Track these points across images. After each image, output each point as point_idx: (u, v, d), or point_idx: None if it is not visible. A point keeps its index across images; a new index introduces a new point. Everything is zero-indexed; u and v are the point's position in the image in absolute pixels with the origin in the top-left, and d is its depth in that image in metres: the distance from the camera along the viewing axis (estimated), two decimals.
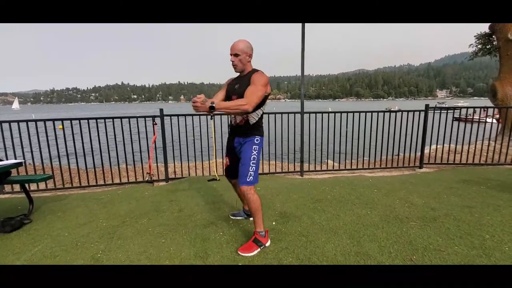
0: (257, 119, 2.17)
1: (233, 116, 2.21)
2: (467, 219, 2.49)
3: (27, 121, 3.67)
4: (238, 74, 2.21)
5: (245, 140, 2.18)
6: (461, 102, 42.82)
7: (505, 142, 4.88)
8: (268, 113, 4.31)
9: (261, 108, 2.15)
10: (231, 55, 2.08)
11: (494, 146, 4.91)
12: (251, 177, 2.11)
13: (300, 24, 3.98)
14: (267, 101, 2.17)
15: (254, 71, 2.12)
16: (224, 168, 2.55)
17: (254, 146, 2.15)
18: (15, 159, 3.44)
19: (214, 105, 1.82)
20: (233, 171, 2.36)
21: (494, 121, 6.64)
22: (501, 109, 6.53)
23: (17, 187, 3.75)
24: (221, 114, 3.90)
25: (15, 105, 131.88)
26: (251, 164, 2.12)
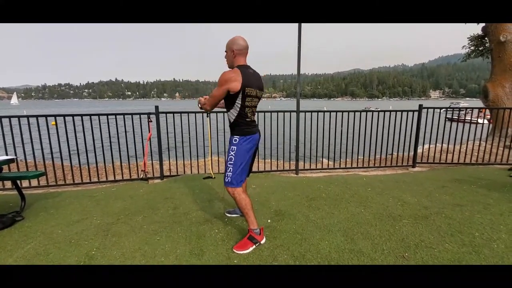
0: (233, 118, 2.09)
1: None
2: (458, 217, 2.54)
3: (18, 116, 3.62)
4: None
5: (229, 139, 2.18)
6: (462, 103, 43.05)
7: (495, 142, 4.97)
8: (264, 112, 4.32)
9: (235, 107, 2.05)
10: None
11: (485, 146, 5.00)
12: (228, 178, 2.10)
13: (296, 24, 4.00)
14: (247, 99, 2.01)
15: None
16: None
17: (231, 147, 2.11)
18: (7, 155, 3.38)
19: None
20: None
21: (486, 121, 6.76)
22: (492, 110, 6.65)
23: (8, 184, 3.69)
24: (216, 112, 3.92)
25: (14, 100, 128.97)
26: (228, 165, 2.10)
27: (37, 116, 3.64)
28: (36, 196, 3.42)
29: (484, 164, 4.64)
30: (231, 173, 2.09)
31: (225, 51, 2.12)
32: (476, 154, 4.93)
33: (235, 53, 2.05)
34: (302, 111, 4.33)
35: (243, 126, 2.10)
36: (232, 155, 2.10)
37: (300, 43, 4.03)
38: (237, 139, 2.10)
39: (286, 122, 4.44)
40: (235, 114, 2.08)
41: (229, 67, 2.13)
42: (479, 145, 4.99)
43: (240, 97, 2.01)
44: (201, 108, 2.31)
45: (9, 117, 3.58)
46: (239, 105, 2.04)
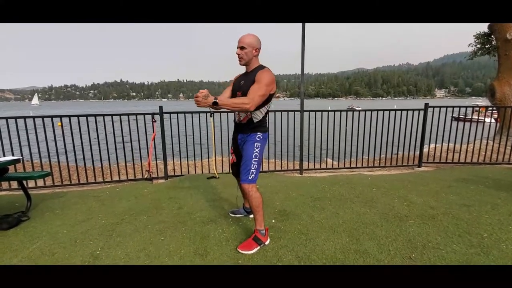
0: (261, 117, 2.13)
1: (237, 112, 2.19)
2: (465, 217, 2.50)
3: (25, 117, 3.65)
4: (244, 70, 2.18)
5: (247, 137, 2.14)
6: (479, 101, 41.44)
7: (503, 141, 4.90)
8: (268, 111, 4.31)
9: (266, 106, 2.12)
10: (237, 48, 2.05)
11: (492, 146, 4.93)
12: (253, 175, 2.09)
13: (300, 24, 3.97)
14: (273, 99, 2.14)
15: (261, 67, 2.07)
16: (230, 164, 2.53)
17: (256, 144, 2.11)
18: (13, 155, 3.42)
19: (217, 101, 1.83)
20: (238, 169, 2.30)
21: (493, 120, 6.67)
22: (499, 108, 6.56)
23: (14, 184, 3.72)
24: (220, 112, 3.91)
25: (35, 101, 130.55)
26: (253, 162, 2.09)
27: (43, 117, 3.67)
28: (42, 196, 3.45)
29: (491, 163, 4.57)
30: (255, 170, 2.09)
31: (241, 47, 2.03)
32: (483, 153, 4.85)
33: (257, 52, 2.07)
34: (306, 111, 4.30)
35: (265, 124, 2.19)
36: (257, 152, 2.10)
37: (303, 43, 4.01)
38: (261, 136, 2.14)
39: (290, 121, 4.42)
40: (264, 113, 2.14)
41: (244, 64, 2.11)
42: (486, 144, 4.92)
43: (272, 98, 2.10)
44: (199, 106, 1.89)
45: (15, 118, 3.61)
46: (269, 106, 2.14)
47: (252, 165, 2.09)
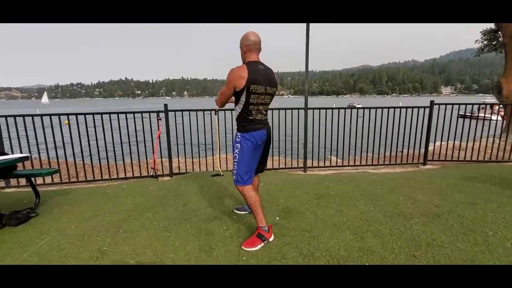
0: (237, 114, 2.11)
1: None
2: (470, 215, 2.49)
3: (32, 115, 3.71)
4: None
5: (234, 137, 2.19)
6: (487, 98, 40.14)
7: (509, 139, 4.84)
8: (272, 109, 4.31)
9: (239, 104, 2.04)
10: None
11: (499, 143, 4.88)
12: (235, 176, 2.11)
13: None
14: (252, 96, 1.98)
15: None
16: None
17: (236, 144, 2.12)
18: (21, 153, 3.48)
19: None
20: None
21: (499, 118, 6.59)
22: (505, 106, 6.48)
23: (23, 181, 3.79)
24: (224, 110, 3.93)
25: (44, 99, 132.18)
26: (234, 163, 2.12)
27: (50, 115, 3.73)
28: (50, 193, 3.50)
29: (497, 161, 4.53)
30: (236, 171, 2.11)
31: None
32: (489, 151, 4.81)
33: (245, 49, 2.04)
34: (310, 108, 4.30)
35: (245, 123, 2.09)
36: (236, 153, 2.11)
37: (308, 42, 3.99)
38: (240, 136, 2.10)
39: (294, 119, 4.42)
40: (239, 111, 2.09)
41: (243, 63, 2.11)
42: (493, 142, 4.87)
43: (245, 94, 1.98)
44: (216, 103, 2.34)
45: (23, 115, 3.67)
46: (243, 102, 2.02)
47: (233, 166, 2.12)
